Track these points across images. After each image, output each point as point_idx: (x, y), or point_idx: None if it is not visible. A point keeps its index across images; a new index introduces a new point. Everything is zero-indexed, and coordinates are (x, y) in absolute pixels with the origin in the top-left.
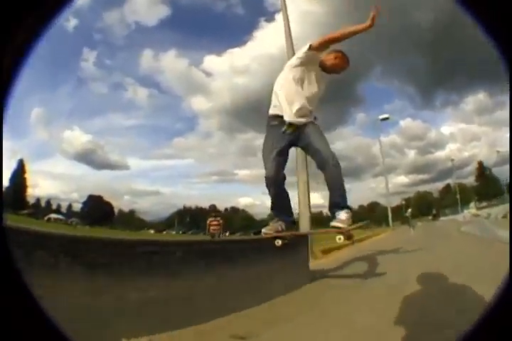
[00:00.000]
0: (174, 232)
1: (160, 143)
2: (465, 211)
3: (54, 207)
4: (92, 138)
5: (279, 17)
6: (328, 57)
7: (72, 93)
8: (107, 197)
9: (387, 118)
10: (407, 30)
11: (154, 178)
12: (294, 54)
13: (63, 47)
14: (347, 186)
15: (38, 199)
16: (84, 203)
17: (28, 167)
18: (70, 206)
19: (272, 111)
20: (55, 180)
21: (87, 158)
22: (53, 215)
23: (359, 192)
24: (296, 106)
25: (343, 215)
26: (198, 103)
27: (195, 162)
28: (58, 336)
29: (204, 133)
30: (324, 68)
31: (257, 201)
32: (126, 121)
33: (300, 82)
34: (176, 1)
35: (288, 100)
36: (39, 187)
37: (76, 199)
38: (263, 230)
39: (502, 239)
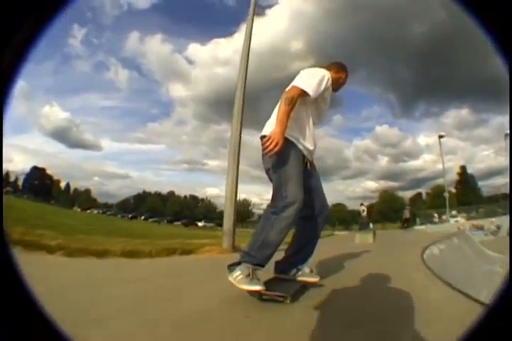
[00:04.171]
0: (96, 211)
1: (134, 127)
2: (451, 219)
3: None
4: (70, 116)
5: (269, 12)
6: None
7: (56, 69)
8: (76, 177)
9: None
10: (400, 40)
11: (125, 161)
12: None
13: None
14: None
15: (7, 173)
16: (27, 175)
17: (6, 141)
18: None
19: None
20: (28, 156)
21: (62, 135)
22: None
23: (326, 194)
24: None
25: (307, 268)
26: (176, 90)
27: (166, 148)
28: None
29: (178, 121)
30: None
31: (223, 192)
32: (104, 101)
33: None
34: None
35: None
36: (13, 161)
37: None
38: (245, 286)
39: None
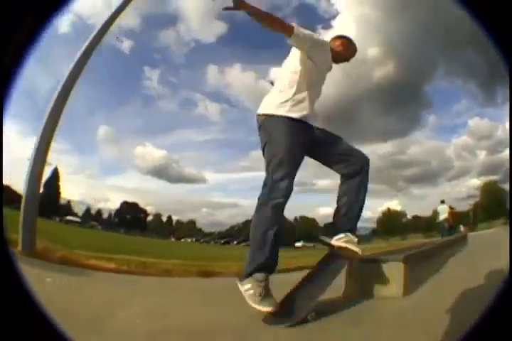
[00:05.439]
0: (189, 240)
1: (236, 156)
2: None
3: (105, 216)
4: (166, 154)
5: (335, 23)
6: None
7: (139, 111)
8: (180, 210)
9: None
10: (460, 24)
11: (232, 191)
12: None
13: (122, 67)
14: (422, 191)
15: (99, 211)
16: (118, 210)
17: (99, 182)
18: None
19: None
20: (127, 194)
21: (161, 172)
22: (69, 217)
23: (434, 197)
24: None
25: (353, 236)
26: None
27: None
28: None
29: None
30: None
31: None
32: (201, 136)
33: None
34: (230, 16)
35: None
36: (111, 201)
37: (151, 213)
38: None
39: None
